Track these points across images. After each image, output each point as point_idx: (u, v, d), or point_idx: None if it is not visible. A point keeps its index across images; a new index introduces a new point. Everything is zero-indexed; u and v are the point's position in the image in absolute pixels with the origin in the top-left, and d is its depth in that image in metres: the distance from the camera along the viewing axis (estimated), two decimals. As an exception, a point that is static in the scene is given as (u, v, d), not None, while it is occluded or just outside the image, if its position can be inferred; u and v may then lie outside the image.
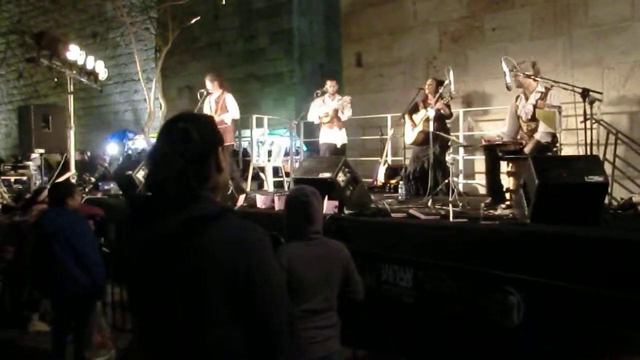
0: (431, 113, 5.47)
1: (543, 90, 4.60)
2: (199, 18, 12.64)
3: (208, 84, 6.50)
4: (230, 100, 6.59)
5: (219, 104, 6.54)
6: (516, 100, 4.84)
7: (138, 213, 1.26)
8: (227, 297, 1.10)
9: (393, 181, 6.63)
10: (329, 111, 6.72)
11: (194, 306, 1.11)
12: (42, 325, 4.54)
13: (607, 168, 5.26)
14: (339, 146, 6.79)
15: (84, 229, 3.63)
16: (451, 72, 5.32)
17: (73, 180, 7.39)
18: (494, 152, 4.70)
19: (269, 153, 8.21)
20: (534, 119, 4.60)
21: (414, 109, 6.17)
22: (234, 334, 1.11)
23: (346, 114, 6.75)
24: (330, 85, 6.77)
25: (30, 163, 8.11)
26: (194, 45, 15.21)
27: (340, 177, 4.31)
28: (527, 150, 4.50)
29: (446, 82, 5.47)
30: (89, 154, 11.75)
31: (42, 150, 7.52)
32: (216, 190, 1.24)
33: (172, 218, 1.15)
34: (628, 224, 3.61)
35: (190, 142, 1.18)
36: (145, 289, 1.21)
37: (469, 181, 7.09)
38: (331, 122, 6.76)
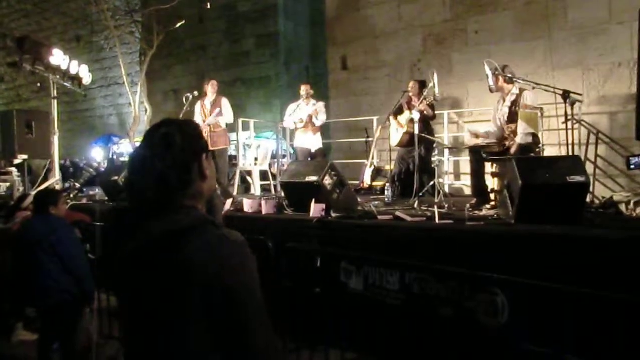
0: (416, 115, 5.52)
1: (517, 92, 4.67)
2: (184, 22, 12.57)
3: (208, 87, 6.81)
4: (226, 104, 6.70)
5: (215, 106, 6.63)
6: (496, 104, 4.91)
7: (120, 222, 1.23)
8: (208, 313, 1.06)
9: (379, 183, 6.66)
10: (303, 117, 6.74)
11: (174, 321, 1.08)
12: (27, 335, 4.47)
13: (589, 167, 5.35)
14: (313, 151, 6.80)
15: (70, 237, 3.59)
16: (435, 75, 5.37)
17: (57, 187, 7.30)
18: (478, 154, 4.75)
19: (256, 157, 8.18)
20: (511, 121, 4.67)
21: (399, 111, 6.20)
22: (216, 353, 1.07)
23: (320, 119, 6.74)
24: (304, 90, 6.77)
25: (13, 169, 7.97)
26: (180, 49, 15.11)
27: (327, 181, 4.32)
28: (511, 152, 4.56)
29: (430, 84, 5.51)
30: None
31: (25, 156, 7.41)
32: (198, 198, 1.20)
33: (151, 229, 1.12)
34: (609, 223, 3.67)
35: (172, 147, 1.15)
36: (128, 302, 1.19)
37: (455, 182, 7.15)
38: (306, 127, 6.78)
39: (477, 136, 4.92)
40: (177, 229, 1.10)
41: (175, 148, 1.15)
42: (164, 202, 1.14)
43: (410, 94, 6.20)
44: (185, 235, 1.10)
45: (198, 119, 6.73)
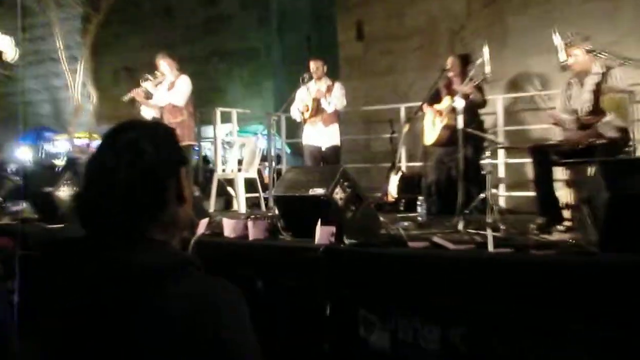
0: (459, 103, 5.46)
1: (602, 70, 4.60)
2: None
3: (164, 65, 6.54)
4: (182, 81, 6.52)
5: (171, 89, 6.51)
6: (567, 89, 4.83)
7: (59, 255, 1.22)
8: None
9: (409, 196, 6.61)
10: (309, 102, 6.70)
11: None
12: None
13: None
14: (323, 149, 6.80)
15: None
16: (486, 47, 5.33)
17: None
18: (544, 155, 4.69)
19: (240, 159, 8.17)
20: (595, 111, 4.58)
21: (436, 98, 6.17)
22: None
23: (333, 104, 6.70)
24: (313, 67, 6.75)
25: None
26: (137, 14, 15.19)
27: (338, 194, 4.27)
28: (593, 152, 4.48)
29: (479, 60, 5.47)
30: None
31: None
32: (172, 228, 1.23)
33: (111, 269, 1.11)
34: None
35: (142, 157, 1.17)
36: None
37: (513, 194, 7.08)
38: (314, 116, 6.75)
39: (558, 123, 4.84)
40: (148, 272, 1.11)
41: (146, 158, 1.17)
42: (129, 230, 1.15)
43: (451, 74, 6.17)
44: (159, 280, 1.10)
45: (148, 109, 6.65)
